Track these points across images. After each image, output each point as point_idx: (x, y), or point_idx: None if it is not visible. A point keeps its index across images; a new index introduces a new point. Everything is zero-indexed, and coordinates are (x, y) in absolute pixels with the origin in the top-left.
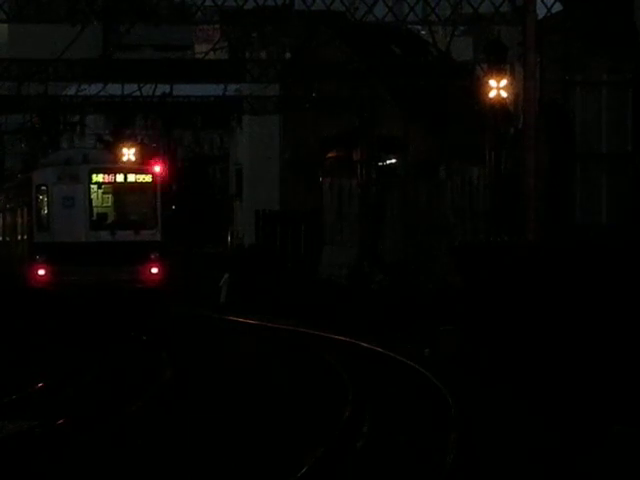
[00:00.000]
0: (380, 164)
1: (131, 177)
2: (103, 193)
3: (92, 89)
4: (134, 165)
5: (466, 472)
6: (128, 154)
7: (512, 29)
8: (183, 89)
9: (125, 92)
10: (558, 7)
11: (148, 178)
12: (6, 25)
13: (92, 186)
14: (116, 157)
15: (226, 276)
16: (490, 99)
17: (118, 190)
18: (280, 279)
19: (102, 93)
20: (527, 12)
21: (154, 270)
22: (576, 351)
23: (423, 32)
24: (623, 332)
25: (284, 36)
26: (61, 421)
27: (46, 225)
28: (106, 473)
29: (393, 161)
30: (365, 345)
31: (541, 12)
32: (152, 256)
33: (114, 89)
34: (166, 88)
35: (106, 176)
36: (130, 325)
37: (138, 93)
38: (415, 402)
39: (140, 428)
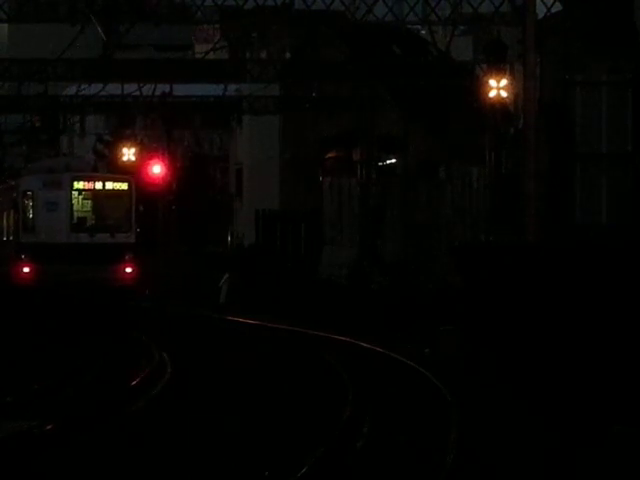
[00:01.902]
0: (380, 164)
1: (109, 185)
2: (83, 199)
3: (92, 89)
4: (112, 174)
5: (466, 472)
6: (128, 154)
7: (512, 29)
8: (183, 89)
9: (125, 92)
10: (558, 7)
11: (124, 186)
12: (6, 25)
13: (73, 192)
14: (95, 166)
15: (226, 276)
16: (490, 99)
17: (97, 196)
18: (280, 279)
19: (102, 93)
20: (527, 12)
21: (128, 270)
22: (576, 351)
23: (423, 32)
24: (623, 332)
25: (284, 36)
26: (60, 421)
27: (31, 227)
28: (106, 473)
29: (393, 161)
30: (365, 345)
31: (541, 12)
32: (126, 257)
33: (114, 89)
34: (166, 88)
35: (86, 183)
36: (105, 319)
37: (138, 93)
38: (415, 402)
39: (140, 428)
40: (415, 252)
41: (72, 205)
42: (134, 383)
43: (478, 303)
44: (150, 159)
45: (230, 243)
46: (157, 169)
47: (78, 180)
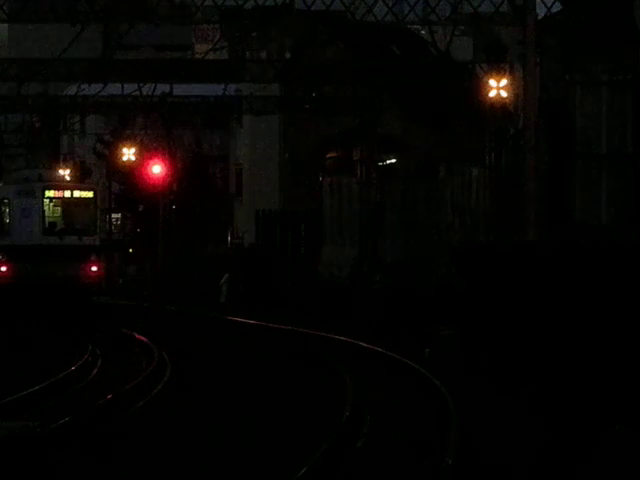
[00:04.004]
0: (380, 164)
1: (76, 193)
2: (54, 206)
3: (92, 89)
4: (79, 183)
5: (466, 472)
6: (128, 154)
7: (512, 29)
8: (183, 89)
9: (125, 92)
10: (558, 7)
11: (90, 194)
12: (6, 25)
13: (45, 200)
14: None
15: (226, 276)
16: (490, 99)
17: (66, 204)
18: (280, 279)
19: (102, 93)
20: (527, 12)
21: (94, 268)
22: (577, 351)
23: (423, 32)
24: (623, 332)
25: (284, 36)
26: (61, 421)
27: (8, 230)
28: (106, 473)
29: (393, 161)
30: (365, 345)
31: (541, 12)
32: (92, 257)
33: (114, 89)
34: (166, 88)
35: (56, 192)
36: (73, 312)
37: (138, 93)
38: (415, 402)
39: (140, 428)
40: (415, 252)
41: (44, 211)
42: (134, 383)
43: (478, 303)
44: (150, 159)
45: (230, 243)
46: (157, 169)
47: (49, 189)
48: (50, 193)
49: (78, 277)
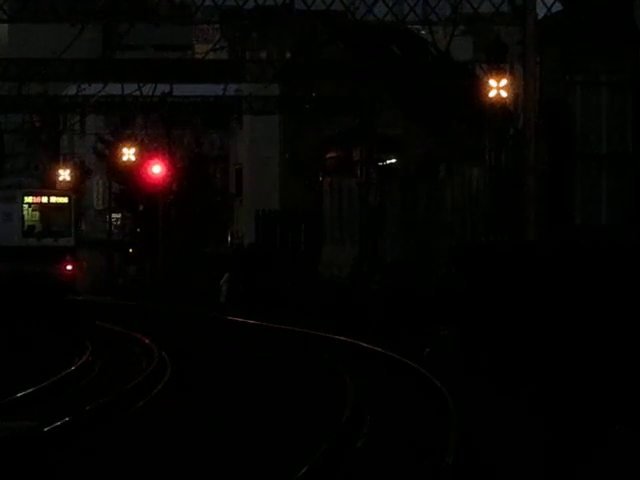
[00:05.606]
0: (380, 164)
1: (53, 199)
2: (32, 210)
3: (92, 89)
4: (55, 190)
5: (466, 472)
6: (128, 154)
7: (512, 29)
8: (183, 89)
9: (125, 92)
10: (558, 7)
11: (65, 200)
12: (6, 25)
13: (24, 205)
14: (43, 183)
15: (226, 276)
16: (490, 99)
17: (43, 208)
18: (280, 279)
19: (102, 93)
20: (527, 12)
21: (69, 267)
22: (576, 351)
23: (423, 32)
24: (623, 332)
25: (284, 36)
26: (61, 421)
27: None
28: (107, 474)
29: (393, 161)
30: (365, 345)
31: (541, 12)
32: (67, 257)
33: (114, 89)
34: (166, 88)
35: (35, 198)
36: (49, 306)
37: (138, 93)
38: (415, 402)
39: (140, 428)
40: (415, 252)
41: (23, 215)
42: (134, 383)
43: (478, 303)
44: (150, 159)
45: (230, 243)
46: (157, 169)
47: (28, 195)
48: (29, 199)
49: (54, 275)
